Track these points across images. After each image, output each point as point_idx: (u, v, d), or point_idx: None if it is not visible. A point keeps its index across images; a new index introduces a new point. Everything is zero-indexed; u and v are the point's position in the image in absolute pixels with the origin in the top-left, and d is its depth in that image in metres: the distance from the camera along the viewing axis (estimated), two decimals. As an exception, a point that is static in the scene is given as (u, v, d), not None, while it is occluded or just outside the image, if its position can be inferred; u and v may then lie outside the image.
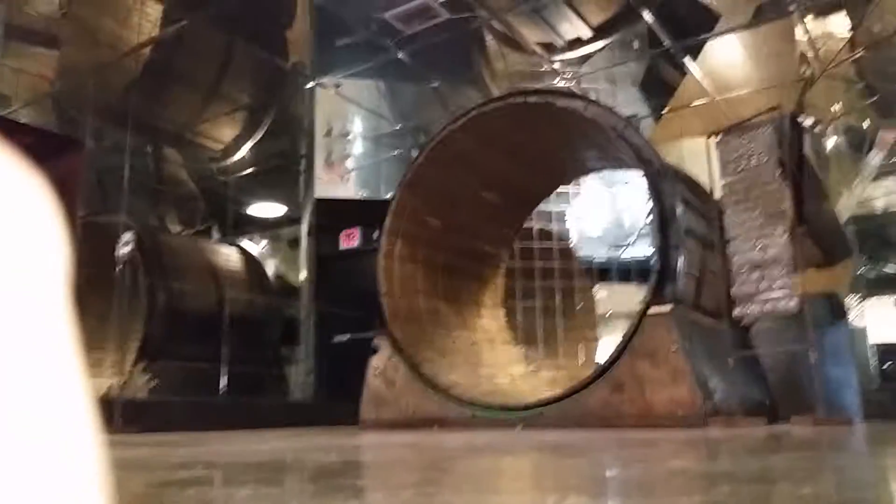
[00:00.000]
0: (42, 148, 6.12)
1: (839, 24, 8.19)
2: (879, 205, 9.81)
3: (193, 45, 8.89)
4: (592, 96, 7.21)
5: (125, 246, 5.37)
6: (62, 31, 8.67)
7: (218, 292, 8.61)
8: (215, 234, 10.15)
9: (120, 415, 5.02)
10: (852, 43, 8.11)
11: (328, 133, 9.37)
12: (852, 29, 8.05)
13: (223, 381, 7.65)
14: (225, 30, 8.87)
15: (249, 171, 9.84)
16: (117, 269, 5.51)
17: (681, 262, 4.94)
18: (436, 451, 2.39)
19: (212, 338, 8.03)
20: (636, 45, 9.01)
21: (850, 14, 8.02)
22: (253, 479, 1.48)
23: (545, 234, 8.82)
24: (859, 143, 9.22)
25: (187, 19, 7.79)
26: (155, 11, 8.98)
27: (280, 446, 2.89)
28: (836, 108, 8.75)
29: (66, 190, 5.82)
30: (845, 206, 8.71)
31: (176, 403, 6.37)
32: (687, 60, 8.06)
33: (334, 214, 9.19)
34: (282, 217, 10.03)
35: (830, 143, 9.11)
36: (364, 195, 9.39)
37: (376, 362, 6.10)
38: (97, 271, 7.34)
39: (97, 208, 8.27)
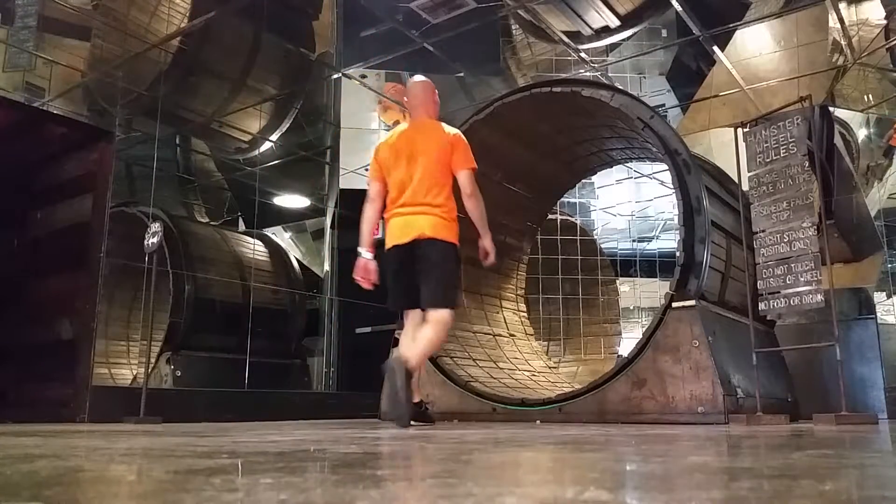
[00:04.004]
0: (74, 138, 6.25)
1: (874, 11, 8.00)
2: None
3: (221, 36, 8.97)
4: (619, 86, 7.14)
5: (153, 236, 5.45)
6: (93, 23, 8.81)
7: (243, 283, 8.72)
8: (241, 225, 10.27)
9: (145, 404, 5.12)
10: (887, 30, 7.92)
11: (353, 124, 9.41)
12: (887, 16, 7.85)
13: (247, 372, 7.76)
14: (252, 21, 8.93)
15: (275, 162, 9.92)
16: (145, 259, 5.60)
17: (706, 255, 4.89)
18: (456, 444, 2.41)
19: (237, 328, 8.15)
20: (664, 33, 8.91)
21: (884, 1, 7.82)
22: (275, 469, 1.51)
23: (569, 227, 8.78)
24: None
25: (215, 11, 7.87)
26: (184, 3, 9.08)
27: (302, 437, 2.93)
28: (869, 97, 8.57)
29: (97, 179, 5.93)
30: (875, 199, 8.54)
31: (200, 393, 6.48)
32: (715, 49, 7.95)
33: (358, 206, 9.24)
34: (306, 208, 10.11)
35: (862, 133, 8.93)
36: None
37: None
38: (126, 261, 7.49)
39: (126, 198, 8.41)
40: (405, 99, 4.18)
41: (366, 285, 3.97)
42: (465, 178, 3.83)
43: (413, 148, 3.83)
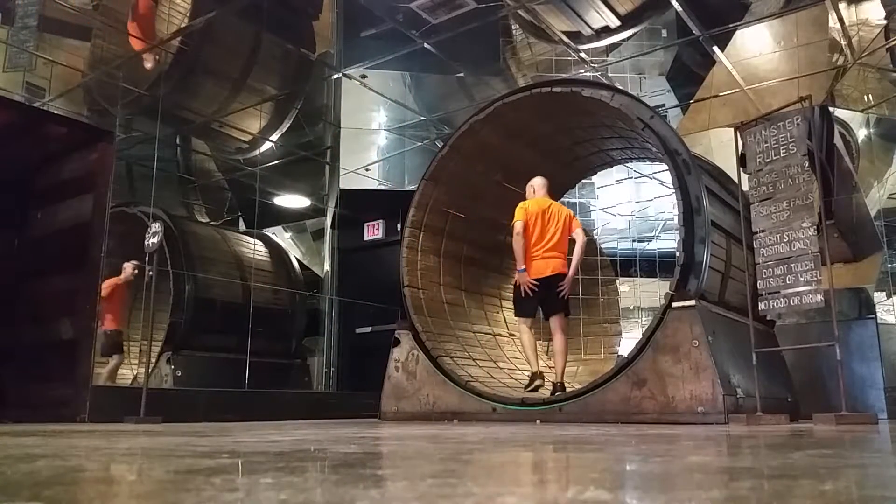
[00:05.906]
0: (74, 138, 6.25)
1: (874, 11, 7.99)
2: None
3: (222, 36, 8.97)
4: (619, 86, 7.14)
5: (153, 236, 5.45)
6: (93, 23, 8.81)
7: (244, 283, 8.72)
8: (242, 225, 10.27)
9: (145, 404, 5.12)
10: (887, 30, 7.91)
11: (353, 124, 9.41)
12: (887, 16, 7.84)
13: (247, 372, 7.75)
14: (252, 21, 8.93)
15: (276, 162, 9.92)
16: (145, 259, 5.61)
17: (706, 255, 4.88)
18: (456, 444, 2.41)
19: (237, 328, 8.14)
20: (664, 33, 8.89)
21: (884, 1, 7.81)
22: (275, 468, 1.51)
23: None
24: (892, 134, 9.01)
25: (215, 11, 7.86)
26: (184, 3, 9.08)
27: (302, 437, 2.93)
28: (869, 97, 8.56)
29: (97, 179, 5.93)
30: (875, 199, 8.54)
31: (200, 393, 6.48)
32: (715, 49, 7.94)
33: (358, 206, 9.24)
34: (306, 208, 10.11)
35: (862, 133, 8.92)
36: (388, 186, 9.42)
37: (397, 354, 6.13)
38: (126, 261, 7.48)
39: (126, 198, 8.41)
40: (532, 186, 5.97)
41: (526, 288, 5.63)
42: (580, 234, 5.71)
43: (549, 216, 5.72)
